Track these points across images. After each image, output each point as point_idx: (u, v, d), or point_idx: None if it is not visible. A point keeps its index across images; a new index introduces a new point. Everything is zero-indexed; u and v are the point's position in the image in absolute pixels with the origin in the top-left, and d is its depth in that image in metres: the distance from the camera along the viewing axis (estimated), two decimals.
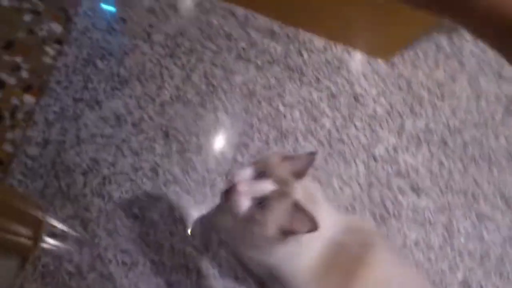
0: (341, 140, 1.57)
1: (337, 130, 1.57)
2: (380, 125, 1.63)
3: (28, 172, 1.31)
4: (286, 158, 0.94)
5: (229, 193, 0.90)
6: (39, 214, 1.23)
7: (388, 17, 1.45)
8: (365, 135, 1.60)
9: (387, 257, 1.04)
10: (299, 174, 0.92)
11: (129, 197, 1.35)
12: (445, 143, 1.67)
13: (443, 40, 1.84)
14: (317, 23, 1.62)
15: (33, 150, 1.34)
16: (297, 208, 0.88)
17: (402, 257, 1.34)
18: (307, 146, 1.53)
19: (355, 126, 1.61)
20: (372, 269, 0.98)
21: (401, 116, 1.67)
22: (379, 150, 1.60)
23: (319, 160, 1.51)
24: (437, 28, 1.82)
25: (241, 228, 0.94)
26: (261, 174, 0.91)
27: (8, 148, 1.32)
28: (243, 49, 1.59)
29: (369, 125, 1.62)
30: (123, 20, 1.53)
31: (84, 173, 1.35)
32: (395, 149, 1.61)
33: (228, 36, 1.59)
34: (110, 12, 1.55)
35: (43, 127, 1.37)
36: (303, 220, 0.86)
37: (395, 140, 1.63)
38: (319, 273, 0.98)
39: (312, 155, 0.93)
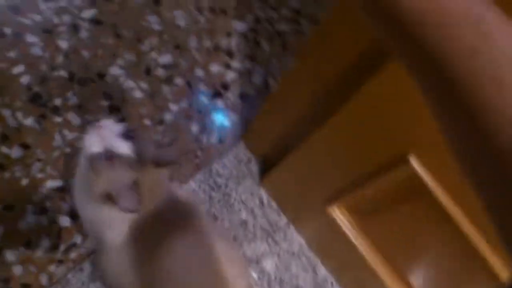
0: None
1: None
2: None
3: None
4: (160, 144, 0.95)
5: (92, 128, 0.87)
6: None
7: None
8: None
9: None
10: (158, 164, 0.89)
11: None
12: None
13: None
14: None
15: None
16: (134, 186, 0.85)
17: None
18: None
19: None
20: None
21: None
22: None
23: None
24: None
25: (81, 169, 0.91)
26: (128, 137, 0.87)
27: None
28: None
29: None
30: None
31: None
32: None
33: None
34: None
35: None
36: (130, 200, 0.83)
37: None
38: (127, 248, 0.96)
39: (175, 164, 0.95)
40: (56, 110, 1.34)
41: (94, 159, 0.83)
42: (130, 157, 0.84)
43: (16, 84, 1.33)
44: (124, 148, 0.84)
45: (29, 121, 1.30)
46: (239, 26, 1.63)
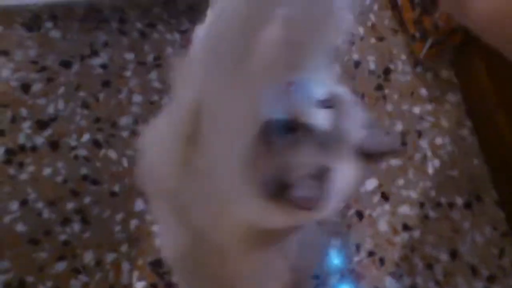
0: None
1: None
2: None
3: None
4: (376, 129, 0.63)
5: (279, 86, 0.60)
6: None
7: None
8: None
9: None
10: (367, 154, 0.61)
11: None
12: None
13: None
14: None
15: None
16: (321, 177, 0.57)
17: None
18: None
19: None
20: None
21: None
22: None
23: None
24: None
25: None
26: (328, 106, 0.61)
27: None
28: None
29: None
30: None
31: None
32: None
33: None
34: None
35: None
36: (309, 193, 0.55)
37: None
38: None
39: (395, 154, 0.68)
40: None
41: (270, 128, 0.57)
42: (326, 133, 0.58)
43: None
44: (320, 118, 0.58)
45: None
46: None
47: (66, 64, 1.52)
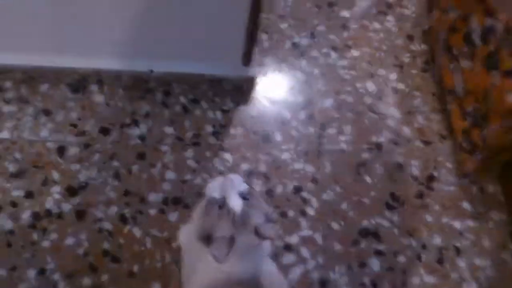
0: None
1: None
2: None
3: None
4: (268, 218, 0.99)
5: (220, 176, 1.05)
6: None
7: None
8: None
9: None
10: (257, 233, 0.96)
11: None
12: None
13: None
14: None
15: None
16: (229, 241, 0.93)
17: None
18: None
19: None
20: None
21: None
22: None
23: None
24: None
25: None
26: (244, 197, 0.99)
27: None
28: None
29: None
30: None
31: None
32: None
33: None
34: None
35: None
36: (221, 250, 0.93)
37: None
38: None
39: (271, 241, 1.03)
40: None
41: (210, 202, 0.97)
42: (237, 214, 0.94)
43: None
44: (236, 204, 0.95)
45: None
46: None
47: (105, 131, 1.51)
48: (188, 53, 1.53)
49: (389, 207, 1.55)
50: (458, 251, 1.51)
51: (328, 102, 1.71)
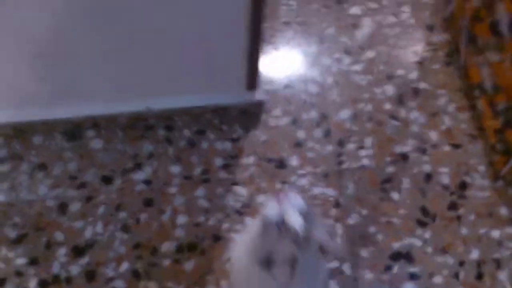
0: None
1: None
2: None
3: None
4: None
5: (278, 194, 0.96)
6: None
7: None
8: None
9: None
10: (321, 250, 0.97)
11: None
12: None
13: None
14: None
15: None
16: (292, 261, 0.90)
17: None
18: None
19: None
20: None
21: None
22: None
23: None
24: None
25: None
26: (305, 216, 0.93)
27: None
28: None
29: None
30: None
31: None
32: None
33: None
34: None
35: None
36: (285, 272, 0.90)
37: None
38: None
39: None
40: None
41: (267, 223, 0.91)
42: (299, 234, 0.88)
43: None
44: (297, 223, 0.88)
45: None
46: None
47: (107, 180, 1.41)
48: (186, 87, 1.41)
49: (421, 223, 1.43)
50: (498, 263, 1.39)
51: (345, 114, 1.57)
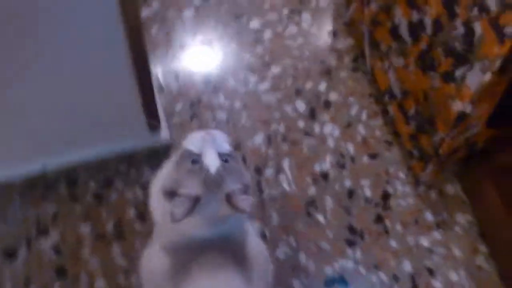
0: None
1: None
2: None
3: None
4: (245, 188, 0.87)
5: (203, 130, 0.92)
6: None
7: None
8: None
9: None
10: (228, 201, 0.84)
11: None
12: None
13: None
14: None
15: None
16: (193, 201, 0.82)
17: None
18: None
19: None
20: None
21: None
22: None
23: None
24: None
25: None
26: (224, 160, 0.87)
27: None
28: None
29: None
30: None
31: None
32: None
33: None
34: None
35: None
36: (180, 209, 0.81)
37: None
38: None
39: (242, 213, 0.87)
40: None
41: (184, 155, 0.86)
42: (211, 174, 0.83)
43: None
44: (212, 165, 0.84)
45: None
46: None
47: (10, 255, 1.27)
48: (85, 139, 1.28)
49: (350, 243, 1.40)
50: (431, 271, 1.40)
51: (259, 138, 1.51)
